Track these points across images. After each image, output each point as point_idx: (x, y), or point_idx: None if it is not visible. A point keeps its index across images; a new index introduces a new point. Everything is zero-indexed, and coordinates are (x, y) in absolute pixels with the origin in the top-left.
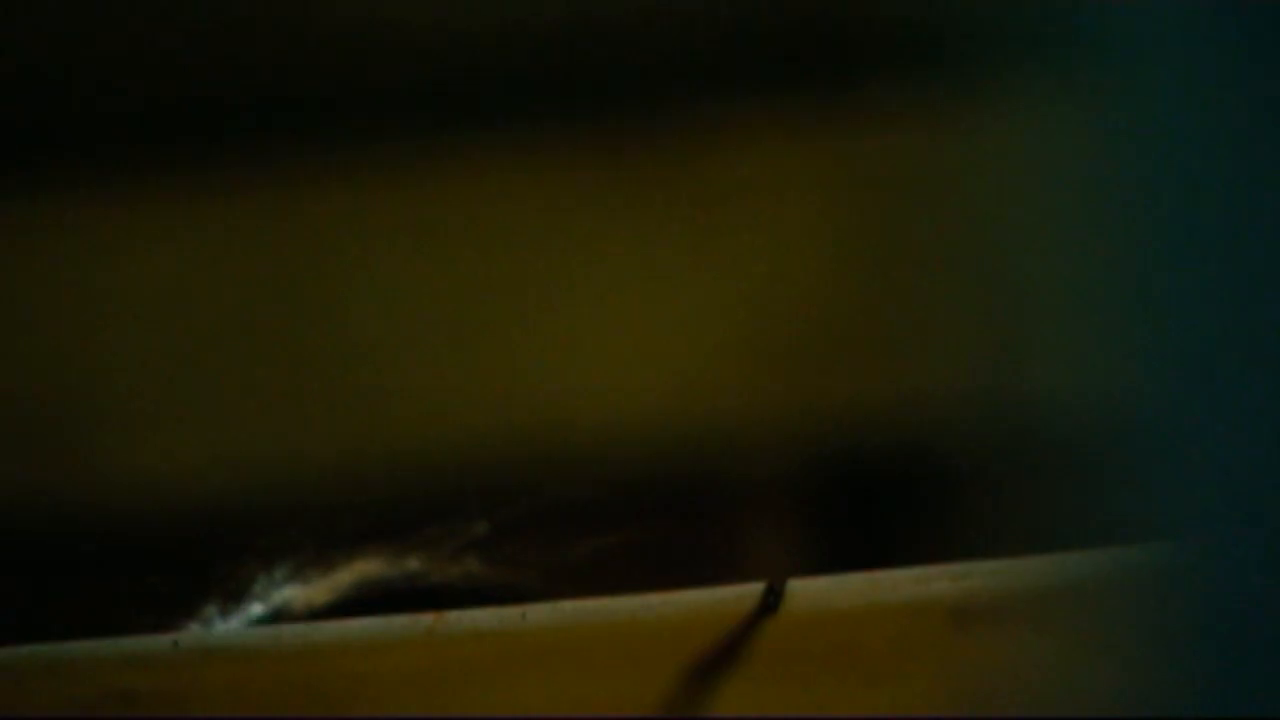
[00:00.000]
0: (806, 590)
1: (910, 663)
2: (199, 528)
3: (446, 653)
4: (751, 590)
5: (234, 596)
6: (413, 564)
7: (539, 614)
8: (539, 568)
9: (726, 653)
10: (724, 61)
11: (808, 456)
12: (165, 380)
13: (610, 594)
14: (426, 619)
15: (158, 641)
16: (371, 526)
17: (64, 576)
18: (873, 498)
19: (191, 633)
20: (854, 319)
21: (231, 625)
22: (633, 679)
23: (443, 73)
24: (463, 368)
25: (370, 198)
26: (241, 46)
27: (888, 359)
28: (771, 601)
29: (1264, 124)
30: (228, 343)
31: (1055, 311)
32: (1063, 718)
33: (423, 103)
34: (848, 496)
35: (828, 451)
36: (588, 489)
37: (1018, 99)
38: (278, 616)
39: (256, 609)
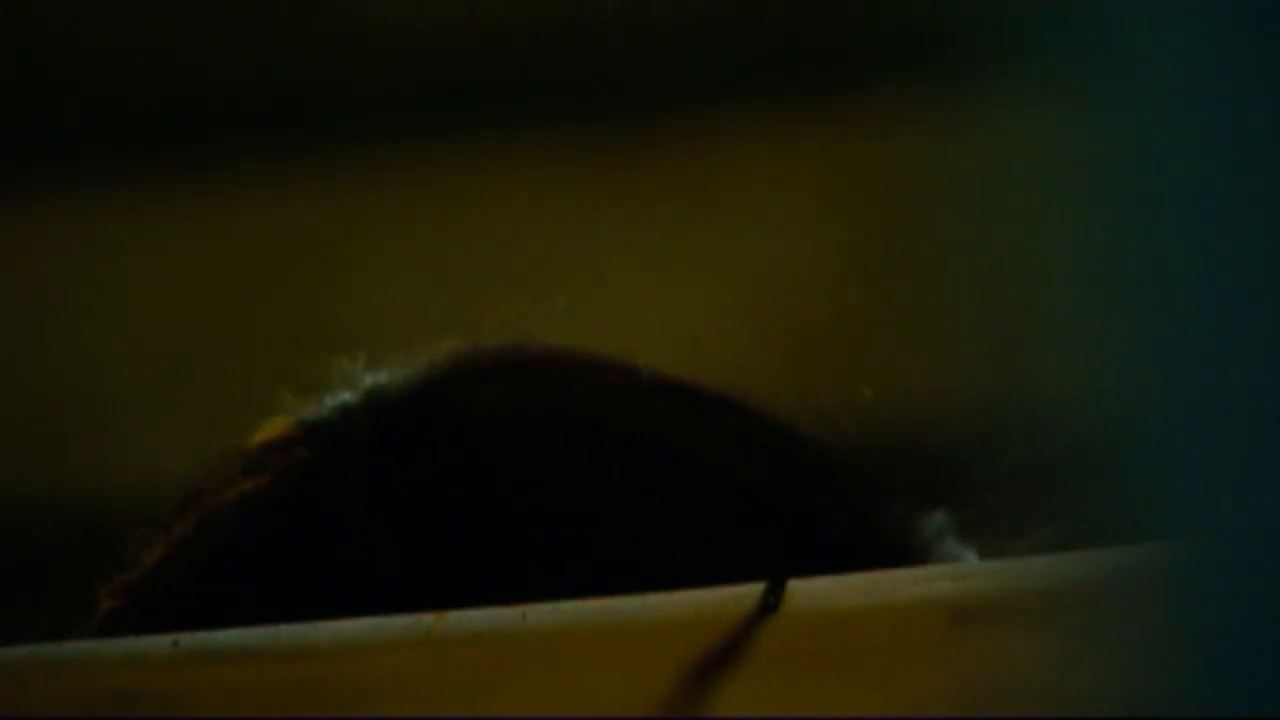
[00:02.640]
0: (806, 590)
1: (910, 663)
2: None
3: (446, 653)
4: (751, 590)
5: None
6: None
7: (539, 614)
8: None
9: (726, 653)
10: (723, 61)
11: None
12: (165, 379)
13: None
14: (427, 619)
15: (158, 641)
16: None
17: (63, 576)
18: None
19: (191, 633)
20: (855, 318)
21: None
22: (633, 679)
23: (442, 73)
24: None
25: (369, 198)
26: (241, 47)
27: (889, 358)
28: (771, 601)
29: (1266, 123)
30: (227, 343)
31: (1055, 311)
32: (1063, 718)
33: (421, 103)
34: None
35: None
36: None
37: (1019, 98)
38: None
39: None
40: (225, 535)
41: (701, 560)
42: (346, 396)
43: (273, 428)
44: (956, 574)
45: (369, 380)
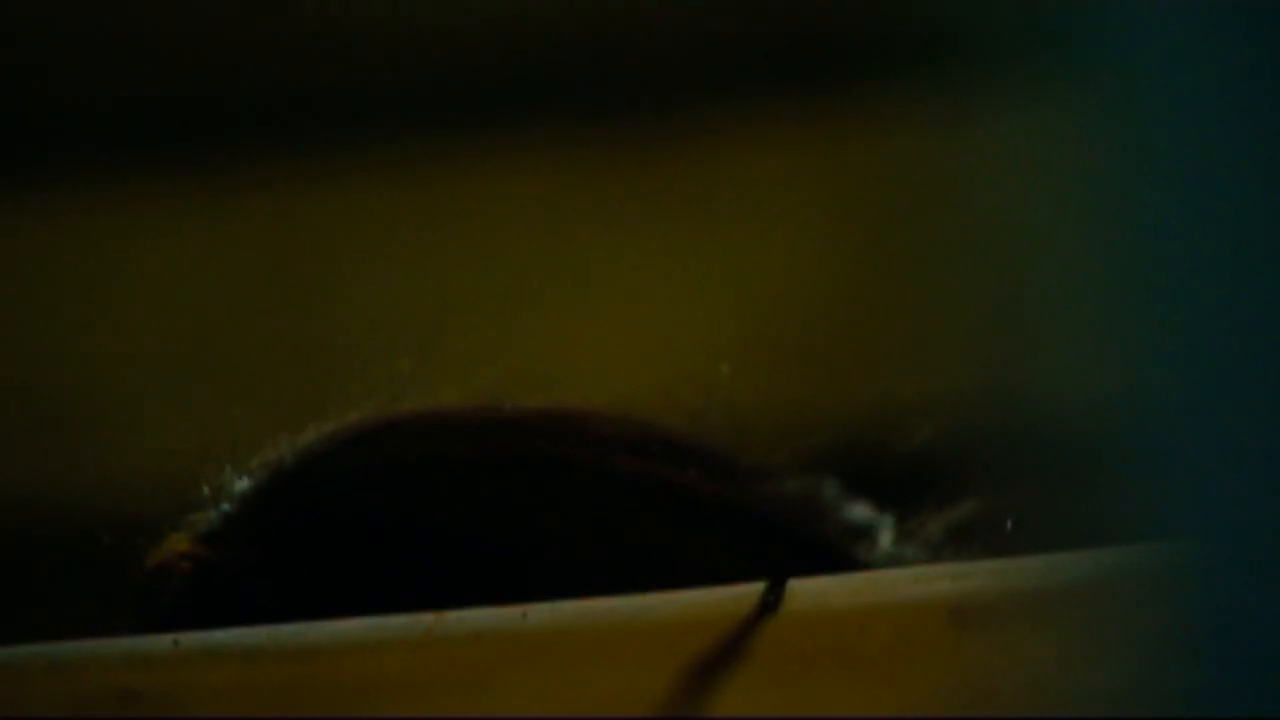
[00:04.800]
0: (806, 590)
1: (910, 663)
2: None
3: (446, 653)
4: (751, 590)
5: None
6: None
7: (539, 614)
8: None
9: (726, 653)
10: (723, 62)
11: (803, 455)
12: (165, 379)
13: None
14: (426, 619)
15: (158, 641)
16: None
17: (63, 576)
18: (871, 497)
19: (192, 633)
20: (852, 318)
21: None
22: (633, 679)
23: (441, 73)
24: (460, 367)
25: (369, 198)
26: (241, 46)
27: (887, 358)
28: (771, 601)
29: (1265, 122)
30: (227, 342)
31: (1055, 312)
32: (1063, 718)
33: (421, 103)
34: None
35: (822, 451)
36: None
37: (1018, 98)
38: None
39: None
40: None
41: (599, 556)
42: (224, 506)
43: (161, 550)
44: (956, 574)
45: (241, 485)
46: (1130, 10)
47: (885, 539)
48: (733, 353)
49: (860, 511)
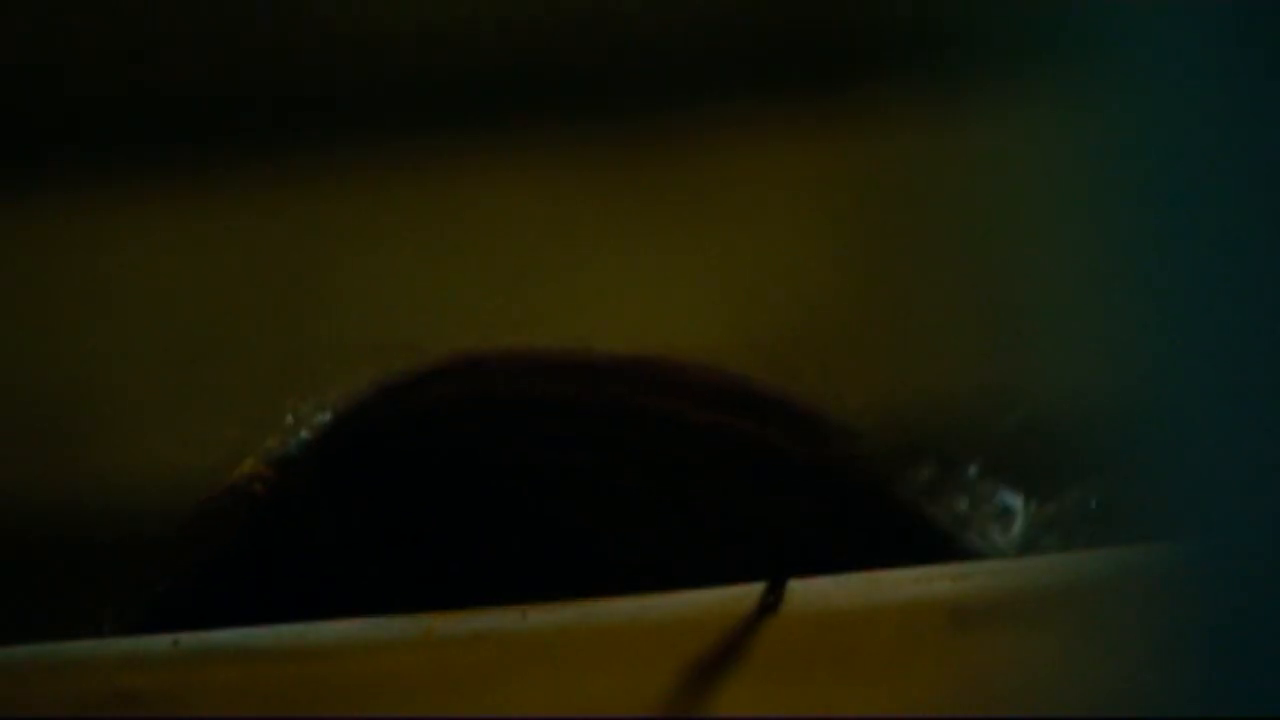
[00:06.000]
0: (806, 590)
1: (910, 663)
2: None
3: (446, 653)
4: (751, 590)
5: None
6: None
7: (539, 614)
8: None
9: (726, 653)
10: (722, 61)
11: None
12: (165, 379)
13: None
14: (426, 619)
15: (158, 641)
16: None
17: (63, 576)
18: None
19: (192, 632)
20: (852, 318)
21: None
22: (633, 679)
23: (442, 72)
24: None
25: (370, 198)
26: (241, 46)
27: (888, 358)
28: (771, 601)
29: (1265, 122)
30: (227, 342)
31: (1053, 312)
32: (1063, 718)
33: (422, 103)
34: None
35: None
36: None
37: (1017, 98)
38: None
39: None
40: (209, 572)
41: (687, 516)
42: (304, 434)
43: (235, 473)
44: (956, 574)
45: (321, 416)
46: (1129, 10)
47: (1019, 526)
48: (729, 351)
49: (1003, 496)
